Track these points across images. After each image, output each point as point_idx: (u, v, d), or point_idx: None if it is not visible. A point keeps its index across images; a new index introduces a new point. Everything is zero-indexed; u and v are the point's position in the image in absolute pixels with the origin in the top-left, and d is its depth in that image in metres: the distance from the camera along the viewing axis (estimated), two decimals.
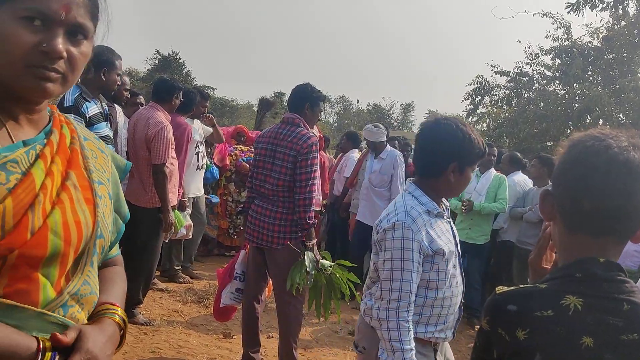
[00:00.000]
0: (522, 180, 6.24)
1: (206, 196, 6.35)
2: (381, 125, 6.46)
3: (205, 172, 6.53)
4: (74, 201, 1.03)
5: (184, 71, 33.32)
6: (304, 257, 3.60)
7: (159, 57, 33.74)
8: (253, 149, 4.39)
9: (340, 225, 7.03)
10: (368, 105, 39.92)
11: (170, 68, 32.35)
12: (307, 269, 3.59)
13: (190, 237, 5.31)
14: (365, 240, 6.24)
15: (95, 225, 1.07)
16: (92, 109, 3.42)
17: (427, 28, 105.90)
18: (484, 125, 13.61)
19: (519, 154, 6.73)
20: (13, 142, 0.99)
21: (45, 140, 1.04)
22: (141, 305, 4.58)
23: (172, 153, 4.38)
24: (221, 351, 4.10)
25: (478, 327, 1.73)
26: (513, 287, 1.15)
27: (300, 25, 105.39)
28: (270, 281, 3.79)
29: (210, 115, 6.08)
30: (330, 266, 3.70)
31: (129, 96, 4.86)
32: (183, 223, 4.75)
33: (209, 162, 6.63)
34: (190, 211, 5.37)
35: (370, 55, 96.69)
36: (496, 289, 1.16)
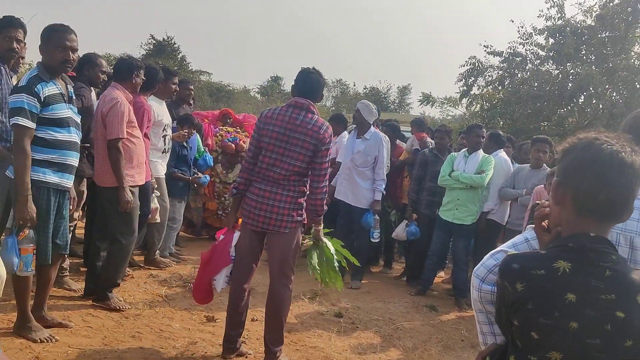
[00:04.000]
0: (505, 157, 6.23)
1: (197, 175, 6.33)
2: (374, 107, 6.40)
3: (198, 160, 6.50)
4: None
5: (179, 56, 33.04)
6: (322, 244, 3.93)
7: (154, 42, 33.43)
8: (251, 131, 4.25)
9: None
10: (365, 89, 39.70)
11: (165, 53, 32.07)
12: (331, 253, 3.93)
13: (158, 220, 5.29)
14: (350, 221, 6.25)
15: None
16: (49, 89, 3.36)
17: (422, 9, 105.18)
18: (478, 106, 13.53)
19: (501, 132, 6.71)
20: None
21: None
22: (119, 290, 4.57)
23: (135, 132, 4.34)
24: (203, 335, 4.10)
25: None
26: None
27: (296, 9, 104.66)
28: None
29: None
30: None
31: (105, 79, 4.81)
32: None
33: (203, 149, 6.60)
34: (158, 193, 5.34)
35: (366, 38, 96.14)
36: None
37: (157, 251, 5.73)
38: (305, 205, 3.74)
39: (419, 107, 15.80)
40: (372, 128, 6.26)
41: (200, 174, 6.43)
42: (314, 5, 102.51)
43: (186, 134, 5.93)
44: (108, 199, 4.20)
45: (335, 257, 3.96)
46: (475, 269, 1.67)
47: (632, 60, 10.89)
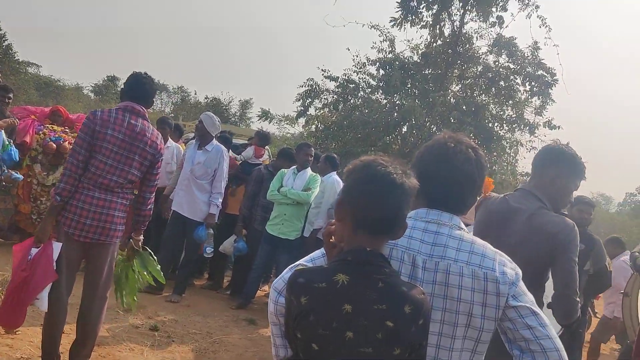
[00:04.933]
0: (337, 179, 6.54)
1: (11, 172, 5.78)
2: (218, 120, 6.33)
3: (2, 154, 5.94)
4: None
5: (4, 44, 29.87)
6: (138, 256, 3.84)
7: None
8: (78, 132, 3.85)
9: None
10: (206, 98, 39.19)
11: None
12: (139, 267, 3.85)
13: None
14: (182, 232, 6.10)
15: None
16: None
17: (267, 28, 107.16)
18: (313, 127, 14.03)
19: (335, 155, 7.05)
20: None
21: None
22: None
23: None
24: (0, 347, 3.73)
25: None
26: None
27: (138, 9, 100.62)
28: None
29: None
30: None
31: None
32: None
33: (7, 142, 6.02)
34: None
35: (210, 47, 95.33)
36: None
37: None
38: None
39: (258, 122, 15.94)
40: (214, 140, 6.22)
41: (12, 172, 5.88)
42: (156, 8, 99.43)
43: None
44: None
45: (139, 276, 3.87)
46: (274, 282, 1.71)
47: (449, 98, 12.06)
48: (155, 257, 3.98)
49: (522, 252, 2.40)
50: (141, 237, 3.83)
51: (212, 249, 6.18)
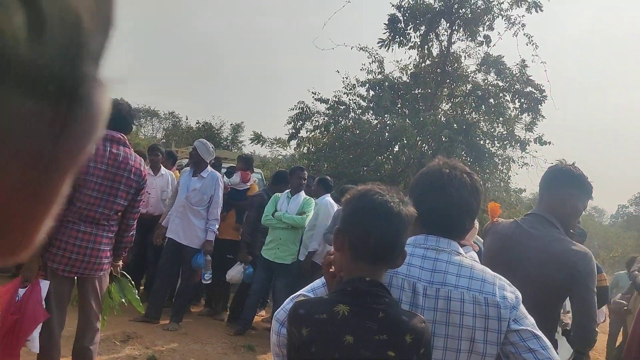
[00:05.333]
0: (331, 202, 6.54)
1: None
2: (211, 146, 6.36)
3: None
4: None
5: None
6: (117, 282, 3.79)
7: None
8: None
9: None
10: (198, 123, 39.21)
11: None
12: (116, 293, 3.80)
13: None
14: (176, 260, 6.09)
15: None
16: None
17: (259, 49, 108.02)
18: (305, 149, 14.07)
19: (329, 178, 7.06)
20: None
21: None
22: None
23: None
24: None
25: None
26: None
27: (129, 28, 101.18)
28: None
29: None
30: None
31: None
32: None
33: None
34: None
35: (202, 73, 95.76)
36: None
37: None
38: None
39: (250, 145, 15.94)
40: (209, 167, 6.25)
41: None
42: (141, 30, 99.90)
43: None
44: None
45: (113, 303, 3.84)
46: (275, 313, 1.72)
47: (439, 117, 12.16)
48: (133, 284, 3.95)
49: (537, 278, 2.43)
50: (120, 264, 3.80)
51: (211, 275, 6.14)
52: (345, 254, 1.51)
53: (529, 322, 1.62)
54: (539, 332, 1.61)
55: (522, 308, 1.64)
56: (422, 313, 1.53)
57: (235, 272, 6.41)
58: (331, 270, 1.58)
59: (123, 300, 3.86)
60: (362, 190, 1.53)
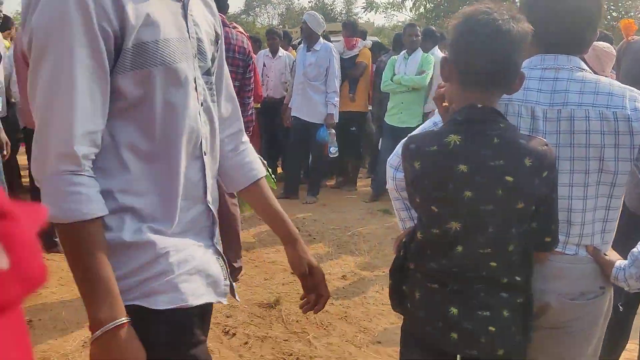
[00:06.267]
0: (441, 54, 6.21)
1: None
2: (321, 18, 6.22)
3: None
4: None
5: None
6: None
7: None
8: None
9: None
10: (310, 2, 38.55)
11: None
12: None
13: None
14: (306, 137, 6.22)
15: None
16: None
17: None
18: (422, 8, 13.35)
19: (434, 28, 6.64)
20: None
21: None
22: None
23: None
24: None
25: None
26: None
27: None
28: None
29: None
30: None
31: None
32: None
33: None
34: None
35: None
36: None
37: None
38: None
39: (364, 14, 15.40)
40: (321, 39, 6.15)
41: None
42: None
43: None
44: None
45: None
46: (388, 159, 1.69)
47: None
48: (266, 163, 4.06)
49: None
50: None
51: (337, 149, 6.21)
52: (454, 84, 1.41)
53: None
54: None
55: None
56: (544, 138, 1.41)
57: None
58: (444, 104, 1.50)
59: None
60: (467, 12, 1.38)
